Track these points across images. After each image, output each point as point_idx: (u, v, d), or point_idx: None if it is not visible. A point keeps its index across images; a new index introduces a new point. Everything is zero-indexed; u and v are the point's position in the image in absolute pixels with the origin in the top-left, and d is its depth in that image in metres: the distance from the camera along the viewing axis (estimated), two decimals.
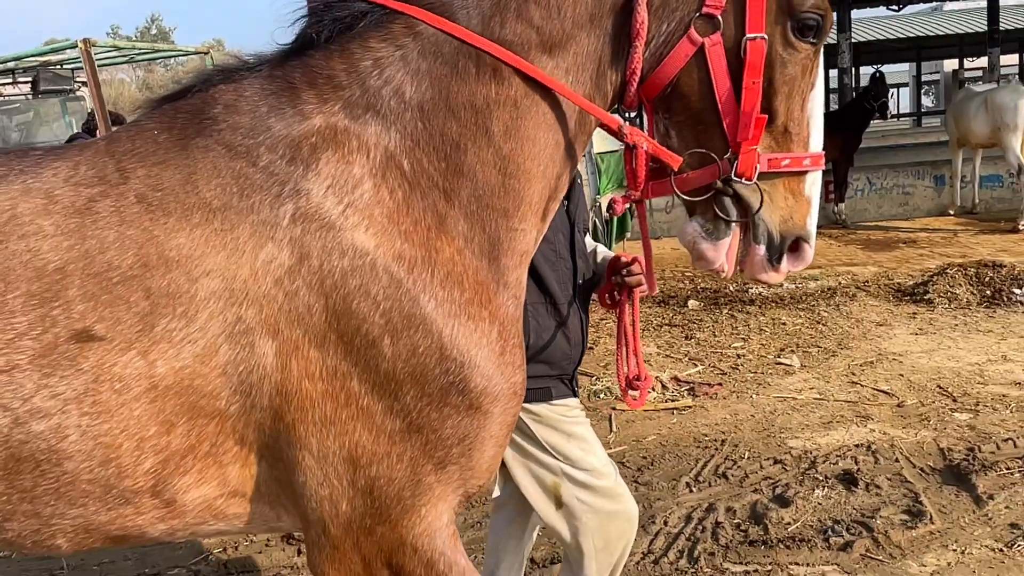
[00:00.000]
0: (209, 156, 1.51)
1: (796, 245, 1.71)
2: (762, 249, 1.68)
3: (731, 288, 8.31)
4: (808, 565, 3.36)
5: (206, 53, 8.71)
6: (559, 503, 2.35)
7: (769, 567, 3.35)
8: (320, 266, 1.46)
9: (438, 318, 1.49)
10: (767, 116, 1.61)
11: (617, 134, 1.64)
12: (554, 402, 2.36)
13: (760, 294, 7.97)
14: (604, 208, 7.18)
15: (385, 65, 1.56)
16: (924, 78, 41.98)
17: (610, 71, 1.63)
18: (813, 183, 1.70)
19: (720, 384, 5.63)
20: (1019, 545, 3.36)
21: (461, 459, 1.55)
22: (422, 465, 1.52)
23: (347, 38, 1.59)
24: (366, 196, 1.50)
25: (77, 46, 7.35)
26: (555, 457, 2.34)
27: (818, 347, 6.37)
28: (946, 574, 3.21)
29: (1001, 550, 3.35)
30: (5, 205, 1.48)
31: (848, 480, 4.04)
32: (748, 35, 1.57)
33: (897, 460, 4.25)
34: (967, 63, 32.96)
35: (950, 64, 37.44)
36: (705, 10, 1.58)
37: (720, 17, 1.58)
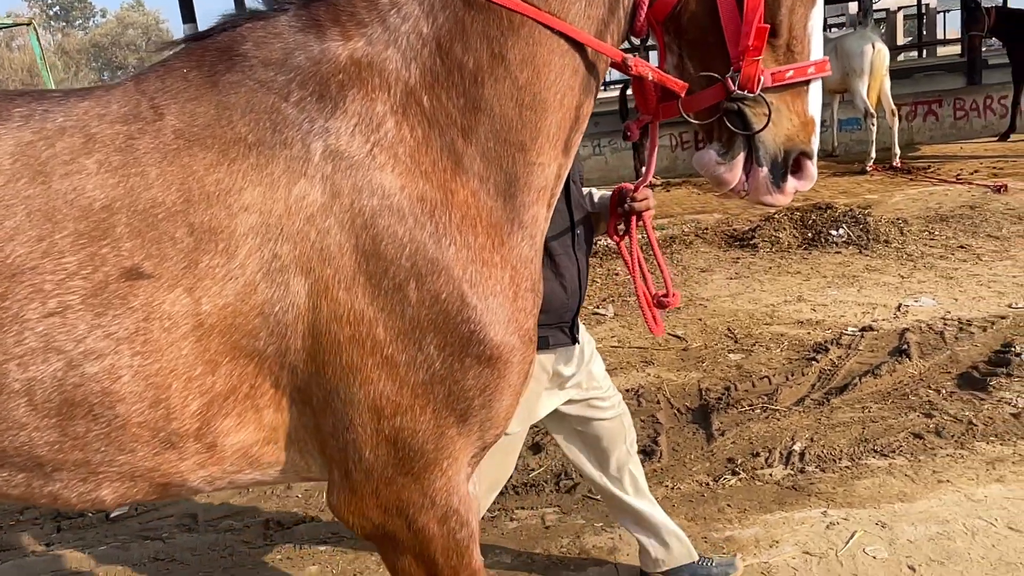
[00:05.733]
0: (242, 91, 1.51)
1: (799, 164, 1.70)
2: (765, 171, 1.68)
3: None
4: (532, 508, 3.55)
5: (28, 24, 8.41)
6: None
7: (496, 512, 3.52)
8: (351, 204, 1.46)
9: (458, 264, 1.49)
10: (770, 28, 1.60)
11: (622, 67, 1.64)
12: (552, 350, 2.48)
13: (606, 246, 8.16)
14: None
15: (402, 3, 1.56)
16: (830, 21, 42.71)
17: None
18: (816, 105, 1.70)
19: None
20: (725, 479, 3.60)
21: (482, 411, 1.56)
22: (445, 417, 1.53)
23: None
24: (390, 134, 1.51)
25: None
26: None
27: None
28: None
29: (707, 484, 3.57)
30: (41, 144, 1.45)
31: None
32: None
33: (658, 402, 4.48)
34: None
35: (853, 7, 38.14)
36: None
37: None
